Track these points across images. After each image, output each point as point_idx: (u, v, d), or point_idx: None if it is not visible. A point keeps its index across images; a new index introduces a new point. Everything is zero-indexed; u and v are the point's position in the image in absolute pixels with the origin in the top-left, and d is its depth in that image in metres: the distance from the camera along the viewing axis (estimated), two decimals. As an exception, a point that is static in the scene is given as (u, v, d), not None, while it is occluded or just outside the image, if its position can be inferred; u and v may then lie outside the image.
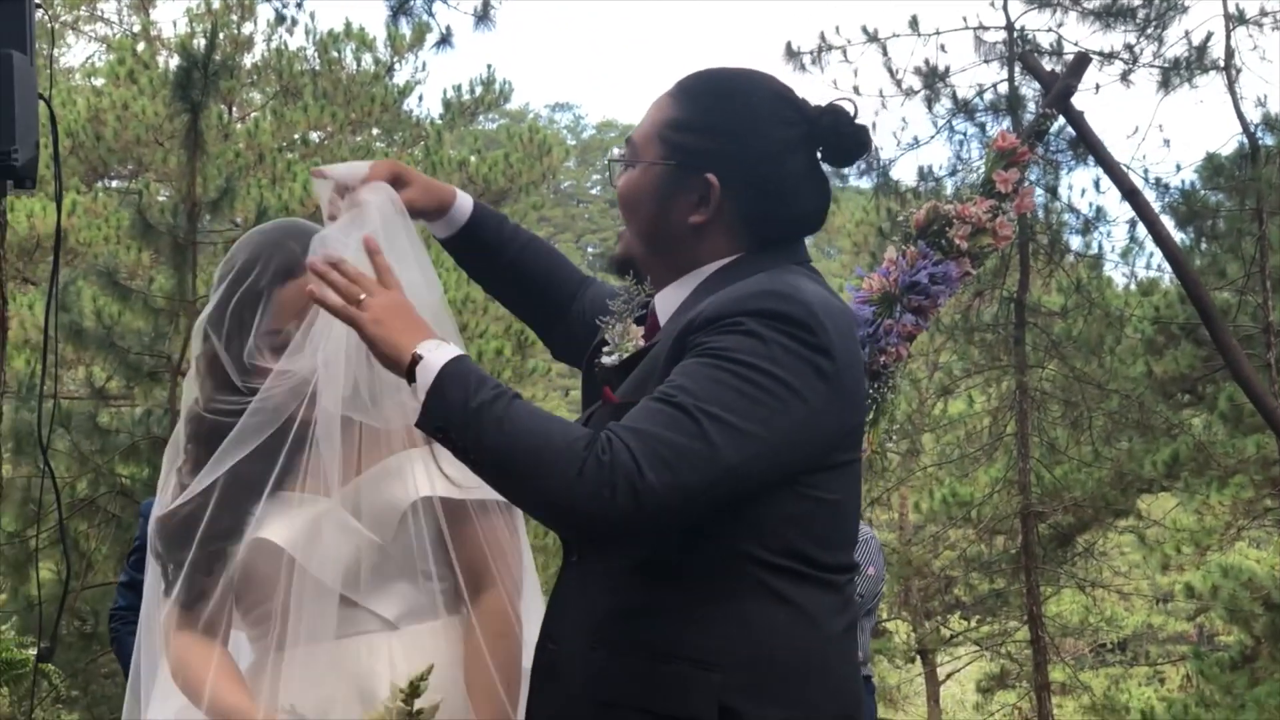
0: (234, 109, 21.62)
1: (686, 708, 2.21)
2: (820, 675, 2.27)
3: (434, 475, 2.81)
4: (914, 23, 14.75)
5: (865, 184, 16.25)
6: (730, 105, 2.44)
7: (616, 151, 2.56)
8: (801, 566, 2.26)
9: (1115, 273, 18.02)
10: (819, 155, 2.47)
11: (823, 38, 14.77)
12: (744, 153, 2.40)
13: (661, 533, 2.19)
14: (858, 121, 2.47)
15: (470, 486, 2.76)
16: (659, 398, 2.19)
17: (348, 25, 21.71)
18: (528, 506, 2.32)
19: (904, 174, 15.75)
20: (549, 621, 2.50)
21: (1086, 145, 8.40)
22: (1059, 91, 7.45)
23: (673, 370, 2.24)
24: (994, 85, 14.75)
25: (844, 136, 2.45)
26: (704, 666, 2.21)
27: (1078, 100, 8.01)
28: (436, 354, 2.27)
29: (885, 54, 14.88)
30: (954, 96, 14.88)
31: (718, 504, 2.18)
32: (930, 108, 14.98)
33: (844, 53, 14.79)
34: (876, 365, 6.69)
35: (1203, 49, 14.14)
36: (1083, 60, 7.64)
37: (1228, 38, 13.97)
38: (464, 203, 2.92)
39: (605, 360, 2.54)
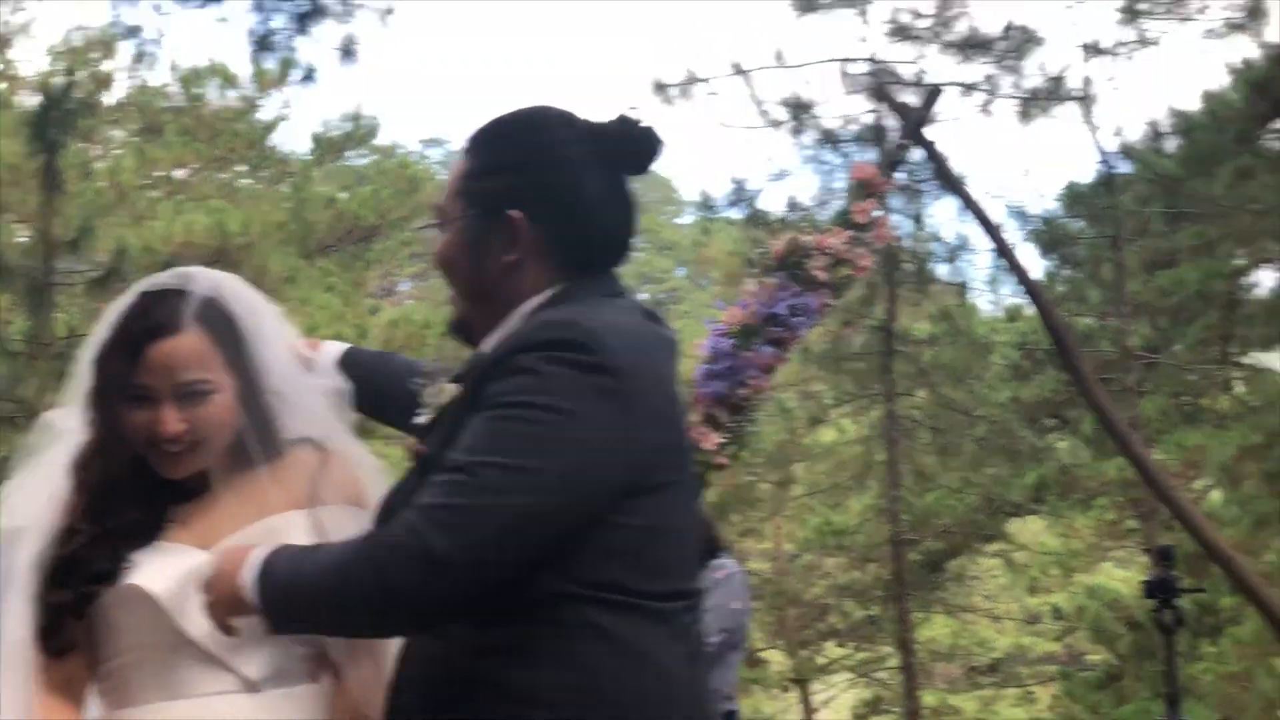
0: (95, 147, 21.29)
1: None
2: (655, 708, 2.22)
3: (314, 539, 2.70)
4: (779, 56, 14.87)
5: (736, 215, 16.34)
6: (518, 141, 2.46)
7: (422, 223, 2.56)
8: (625, 598, 2.21)
9: (981, 299, 18.22)
10: (619, 170, 2.46)
11: (690, 71, 14.84)
12: (540, 181, 2.40)
13: (486, 592, 2.17)
14: (644, 125, 2.45)
15: None
16: (442, 467, 2.19)
17: (211, 61, 21.48)
18: (371, 629, 2.36)
19: (773, 204, 15.89)
20: (396, 674, 2.47)
21: (940, 175, 8.51)
22: (914, 121, 7.55)
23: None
24: (859, 117, 14.91)
25: (634, 140, 2.44)
26: (531, 706, 2.19)
27: (941, 132, 8.12)
28: (245, 574, 2.33)
29: (751, 86, 14.98)
30: (820, 128, 15.01)
31: (529, 548, 2.15)
32: (797, 139, 15.11)
33: (711, 86, 14.87)
34: (736, 398, 6.71)
35: (1059, 79, 14.39)
36: (935, 93, 7.76)
37: (1083, 69, 14.25)
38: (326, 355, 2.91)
39: (418, 419, 2.54)
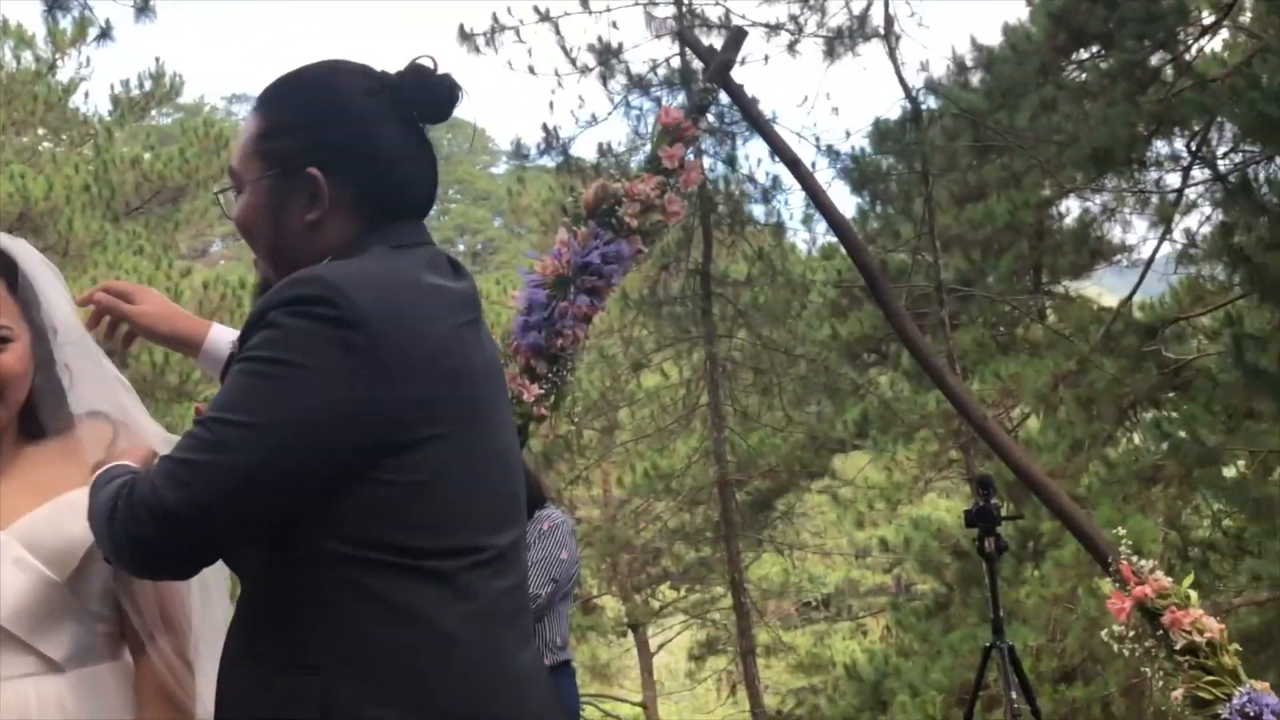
0: (-115, 114, 20.55)
1: (293, 714, 2.16)
2: (436, 673, 2.19)
3: None
4: (584, 1, 14.81)
5: (548, 163, 16.29)
6: (309, 95, 2.42)
7: (219, 187, 2.52)
8: (394, 558, 2.18)
9: (797, 239, 18.39)
10: (415, 118, 2.42)
11: (495, 19, 14.74)
12: (334, 134, 2.36)
13: (206, 549, 2.20)
14: (440, 73, 2.42)
15: None
16: (192, 422, 2.19)
17: (4, 22, 20.80)
18: (131, 571, 2.39)
19: (585, 151, 15.88)
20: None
21: (747, 118, 8.52)
22: (718, 66, 7.51)
23: None
24: (666, 60, 14.94)
25: (429, 88, 2.41)
26: (307, 671, 2.16)
27: (749, 71, 8.11)
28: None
29: (558, 33, 14.94)
30: (628, 73, 15.01)
31: (260, 504, 2.14)
32: (606, 85, 15.10)
33: (517, 33, 14.79)
34: (554, 349, 6.66)
35: (863, 18, 14.56)
36: (739, 34, 7.72)
37: (886, 6, 14.39)
38: (220, 338, 2.80)
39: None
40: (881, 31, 14.29)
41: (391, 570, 2.17)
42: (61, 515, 2.65)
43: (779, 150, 8.22)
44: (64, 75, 21.43)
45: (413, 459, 2.19)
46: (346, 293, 2.16)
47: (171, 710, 2.67)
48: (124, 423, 2.84)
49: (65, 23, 17.95)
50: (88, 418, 2.83)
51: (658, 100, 14.95)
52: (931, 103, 15.27)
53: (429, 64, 2.42)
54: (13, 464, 2.72)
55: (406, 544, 2.18)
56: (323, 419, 2.13)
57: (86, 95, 34.05)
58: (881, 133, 15.24)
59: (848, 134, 14.99)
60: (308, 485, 2.15)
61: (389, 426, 2.17)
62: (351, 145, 2.35)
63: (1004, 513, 7.83)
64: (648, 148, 11.79)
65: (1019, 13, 16.65)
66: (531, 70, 14.76)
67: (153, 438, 2.82)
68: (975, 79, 15.76)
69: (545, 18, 14.77)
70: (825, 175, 15.25)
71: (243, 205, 2.43)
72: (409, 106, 2.40)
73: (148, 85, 22.23)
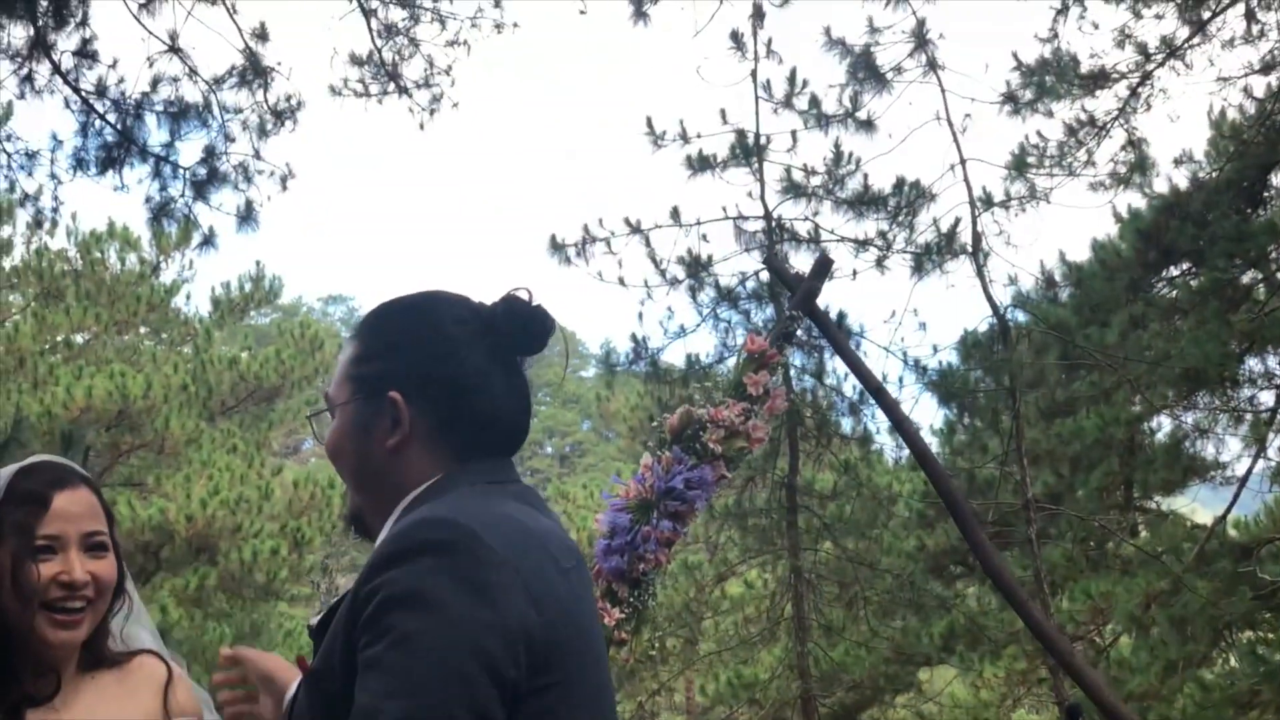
0: (-7, 312, 21.12)
1: None
2: None
3: None
4: (675, 213, 15.04)
5: (636, 371, 16.40)
6: (401, 322, 2.43)
7: (311, 411, 2.53)
8: None
9: (885, 449, 18.32)
10: (507, 351, 2.42)
11: (586, 230, 14.97)
12: (421, 360, 2.36)
13: None
14: (534, 305, 2.41)
15: None
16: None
17: (111, 225, 21.43)
18: None
19: (673, 360, 16.01)
20: None
21: (832, 345, 8.60)
22: (804, 294, 7.61)
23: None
24: (755, 273, 15.08)
25: (522, 318, 2.40)
26: None
27: (837, 286, 8.21)
28: None
29: (648, 244, 15.14)
30: (717, 285, 15.16)
31: None
32: (695, 296, 15.24)
33: (608, 244, 15.00)
34: (636, 573, 6.67)
35: (951, 235, 14.66)
36: (825, 263, 7.83)
37: (974, 223, 14.50)
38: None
39: (310, 622, 2.45)
40: (969, 248, 14.40)
41: None
42: None
43: (863, 378, 8.26)
44: (166, 277, 22.00)
45: (536, 707, 2.13)
46: (476, 530, 2.13)
47: None
48: (174, 664, 2.91)
49: (169, 228, 18.48)
50: (143, 654, 2.89)
51: (745, 313, 15.09)
52: (1020, 317, 15.31)
53: (524, 295, 2.41)
54: (75, 695, 2.75)
55: None
56: (479, 676, 2.05)
57: (188, 296, 34.87)
58: (969, 347, 15.26)
59: (935, 348, 14.98)
60: None
61: (526, 673, 2.11)
62: (433, 372, 2.34)
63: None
64: (734, 360, 11.89)
65: (1108, 229, 16.76)
66: (621, 281, 14.96)
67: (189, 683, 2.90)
68: (1064, 295, 15.80)
69: (636, 230, 15.01)
70: (913, 390, 15.27)
71: (332, 430, 2.44)
72: (500, 337, 2.39)
73: (247, 287, 22.75)
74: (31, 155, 11.95)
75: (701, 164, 15.14)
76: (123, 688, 2.80)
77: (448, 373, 2.36)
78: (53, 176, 11.89)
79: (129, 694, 2.79)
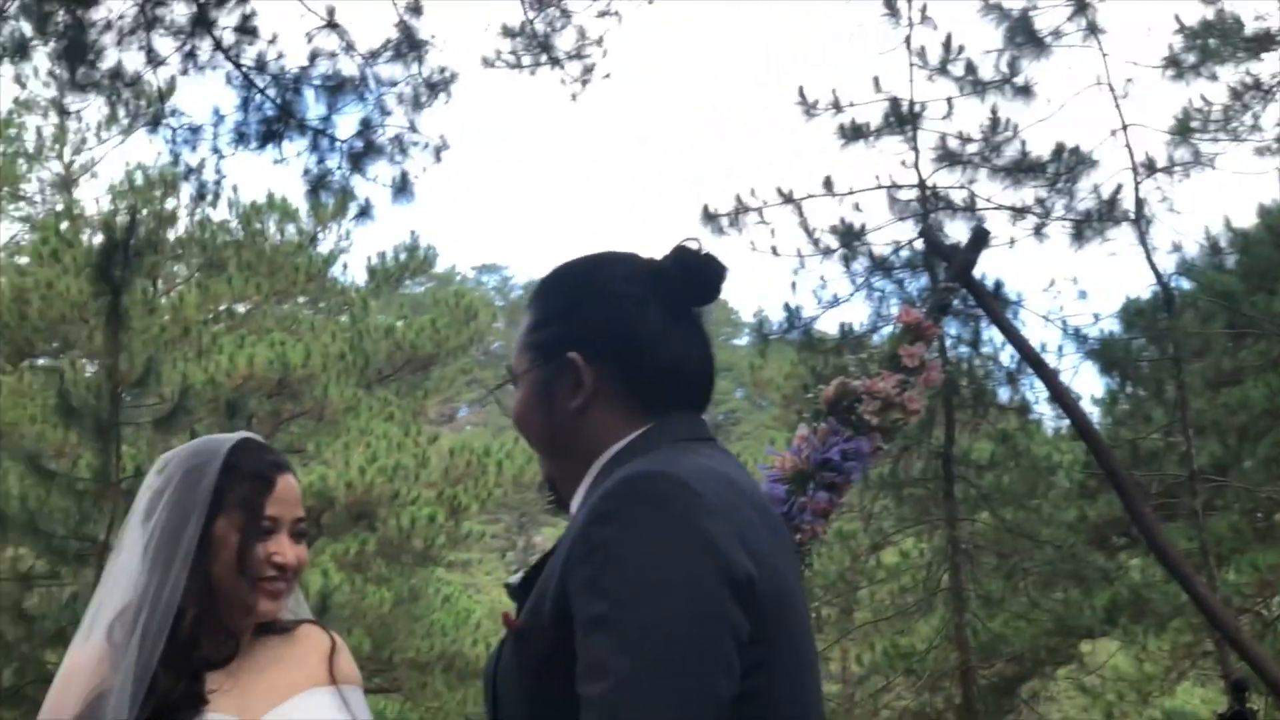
0: (159, 283, 21.57)
1: None
2: None
3: (348, 715, 2.84)
4: (828, 183, 14.92)
5: (790, 340, 16.34)
6: (572, 284, 2.42)
7: (497, 384, 2.53)
8: None
9: (1043, 419, 18.05)
10: (682, 302, 2.38)
11: (739, 200, 14.91)
12: (595, 318, 2.34)
13: None
14: (704, 252, 2.36)
15: None
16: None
17: (270, 197, 21.80)
18: None
19: (827, 329, 15.92)
20: None
21: (990, 317, 8.45)
22: (960, 265, 7.49)
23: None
24: (909, 242, 14.92)
25: (693, 267, 2.36)
26: None
27: (993, 254, 8.10)
28: None
29: (801, 214, 15.04)
30: (871, 254, 15.04)
31: None
32: (848, 266, 15.13)
33: (760, 214, 14.93)
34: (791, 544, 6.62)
35: (1113, 201, 14.38)
36: (981, 234, 7.69)
37: (1136, 189, 14.22)
38: None
39: (510, 580, 2.40)
40: (1131, 215, 14.11)
41: None
42: (305, 713, 2.78)
43: (1022, 350, 8.12)
44: (324, 247, 22.34)
45: (752, 658, 2.08)
46: (687, 480, 2.10)
47: None
48: (336, 639, 2.97)
49: (327, 199, 18.75)
50: (307, 623, 2.97)
51: (900, 282, 14.95)
52: (1184, 285, 14.98)
53: (693, 245, 2.38)
54: (249, 659, 2.82)
55: None
56: (709, 626, 2.03)
57: (345, 266, 35.37)
58: (1131, 315, 14.98)
59: (1096, 317, 14.70)
60: (729, 688, 2.03)
61: (749, 624, 2.07)
62: (610, 328, 2.33)
63: (1262, 718, 7.52)
64: (888, 329, 11.77)
65: (1275, 194, 16.33)
66: (774, 251, 14.89)
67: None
68: (1230, 261, 15.42)
69: (788, 199, 14.91)
70: (1073, 359, 15.02)
71: (517, 400, 2.43)
72: (673, 288, 2.37)
73: (403, 257, 23.02)
74: (195, 130, 12.18)
75: (854, 133, 15.00)
76: (291, 654, 2.87)
77: (624, 328, 2.33)
78: (215, 150, 12.12)
79: (297, 660, 2.86)
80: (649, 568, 2.03)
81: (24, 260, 22.37)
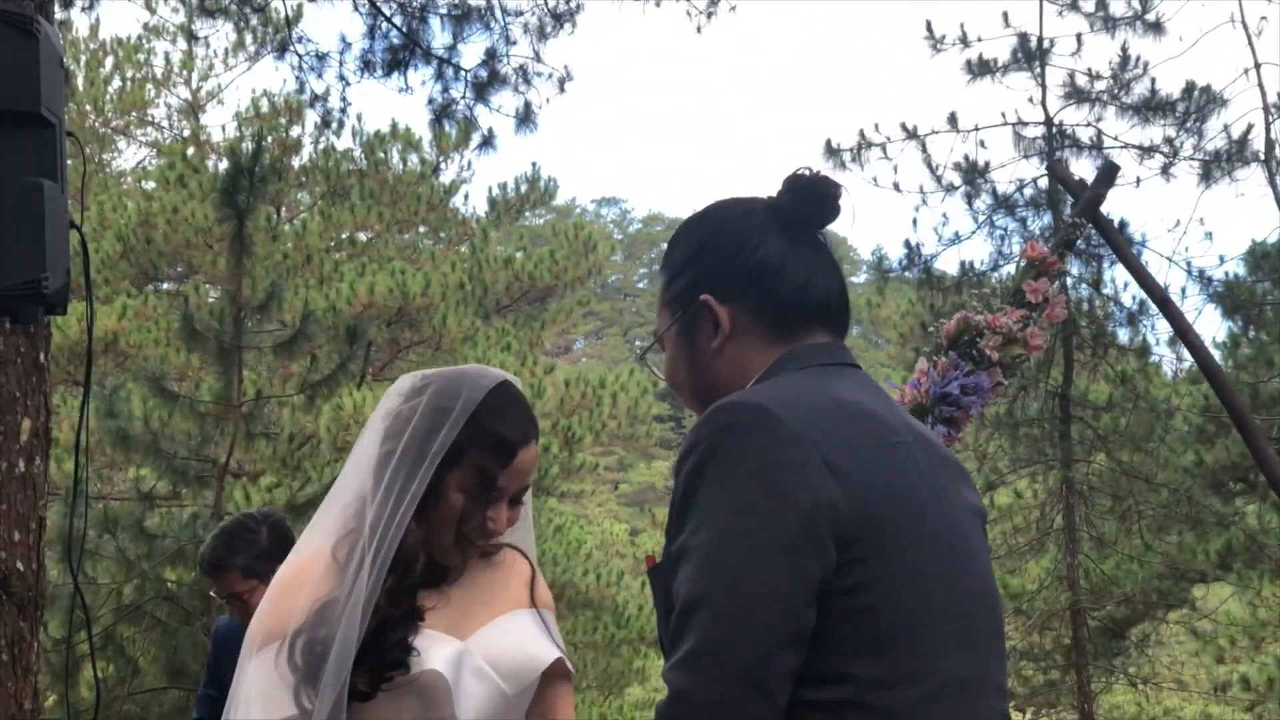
0: (282, 210, 21.84)
1: None
2: None
3: (551, 639, 2.91)
4: (953, 119, 14.81)
5: (910, 277, 16.28)
6: (691, 234, 2.50)
7: (643, 350, 2.62)
8: (834, 691, 2.09)
9: (1163, 362, 17.84)
10: (803, 229, 2.44)
11: (862, 135, 14.84)
12: (719, 258, 2.41)
13: (758, 709, 2.05)
14: (813, 176, 2.42)
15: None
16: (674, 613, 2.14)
17: (394, 126, 21.96)
18: None
19: (946, 267, 15.77)
20: None
21: (1117, 254, 8.39)
22: (1088, 200, 7.45)
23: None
24: (1034, 180, 14.80)
25: (807, 190, 2.41)
26: None
27: (1119, 194, 8.03)
28: None
29: (925, 150, 14.94)
30: (994, 192, 14.92)
31: (786, 651, 2.06)
32: (970, 203, 15.02)
33: (884, 149, 14.86)
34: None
35: (1243, 142, 14.15)
36: (1111, 169, 7.64)
37: (1267, 130, 13.97)
38: None
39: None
40: (1262, 155, 13.88)
41: (833, 707, 2.10)
42: (513, 634, 2.86)
43: (1148, 287, 8.07)
44: (446, 177, 22.47)
45: (847, 583, 2.12)
46: (766, 406, 2.16)
47: None
48: (535, 565, 3.05)
49: (450, 129, 18.85)
50: (509, 549, 3.02)
51: (1023, 220, 14.83)
52: (1313, 227, 14.73)
53: (805, 172, 2.43)
54: (457, 580, 2.90)
55: (849, 673, 2.10)
56: (774, 553, 2.08)
57: (466, 196, 35.69)
58: (1258, 258, 14.75)
59: (1221, 259, 14.52)
60: (799, 607, 2.08)
61: (835, 547, 2.11)
62: (732, 263, 2.39)
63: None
64: (1010, 268, 11.71)
65: None
66: (896, 187, 14.82)
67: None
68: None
69: (912, 135, 14.82)
70: (1196, 301, 14.83)
71: (666, 360, 2.51)
72: (790, 213, 2.42)
73: (523, 188, 23.10)
74: (321, 57, 12.26)
75: (981, 68, 14.84)
76: (497, 578, 2.94)
77: (748, 260, 2.39)
78: (341, 78, 12.21)
79: (503, 584, 2.93)
80: (718, 496, 2.11)
81: (150, 185, 22.70)
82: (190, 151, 21.54)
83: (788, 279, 2.38)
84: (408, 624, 2.74)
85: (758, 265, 2.38)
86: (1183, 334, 8.25)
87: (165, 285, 21.45)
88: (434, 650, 2.72)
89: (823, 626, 2.08)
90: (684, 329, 2.44)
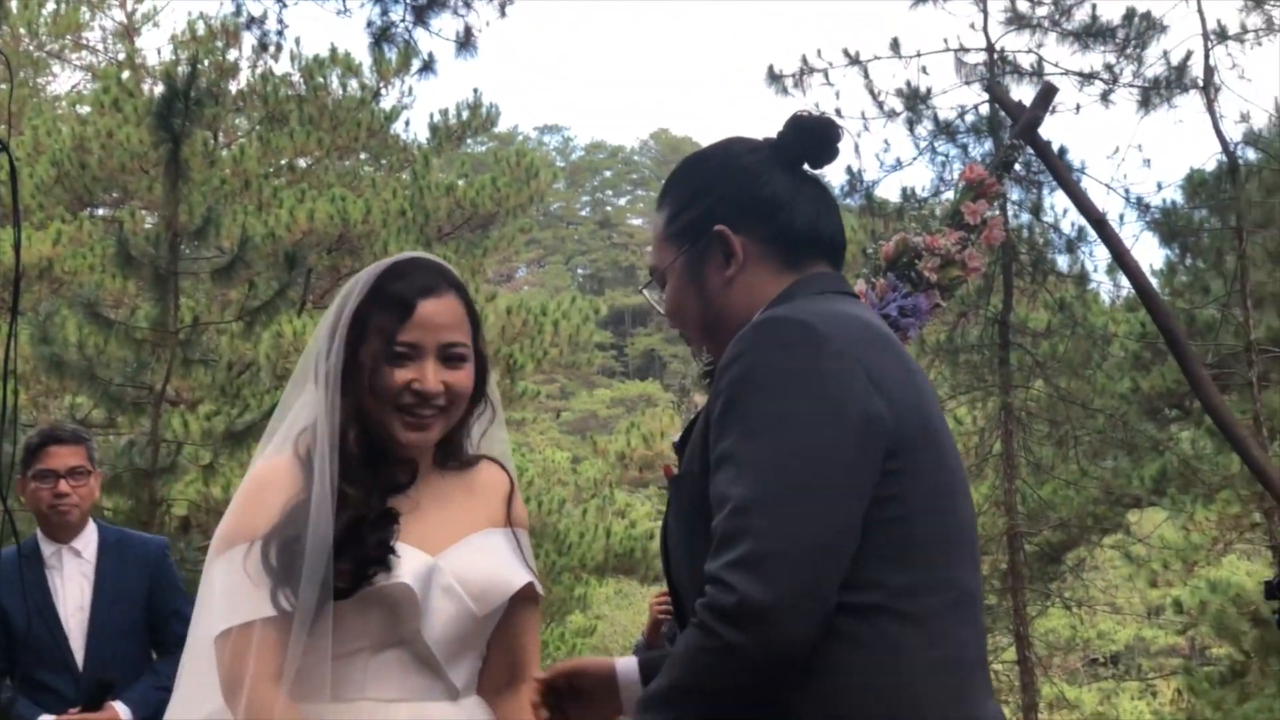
0: (219, 135, 21.58)
1: None
2: (909, 715, 2.14)
3: (524, 561, 2.89)
4: (895, 45, 14.81)
5: (851, 204, 16.29)
6: (700, 168, 2.54)
7: (641, 286, 2.64)
8: (866, 596, 2.13)
9: (1100, 290, 17.98)
10: (803, 164, 2.50)
11: (804, 61, 14.83)
12: (732, 191, 2.45)
13: (815, 616, 2.09)
14: (819, 114, 2.50)
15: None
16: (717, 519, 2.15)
17: (333, 50, 21.66)
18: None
19: (888, 194, 15.83)
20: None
21: (1053, 175, 8.43)
22: (1026, 123, 7.46)
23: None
24: (975, 107, 14.82)
25: (811, 130, 2.49)
26: (776, 712, 2.15)
27: (1058, 120, 8.05)
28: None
29: (867, 76, 14.96)
30: (935, 118, 14.95)
31: (842, 558, 2.11)
32: (912, 129, 15.06)
33: (826, 75, 14.87)
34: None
35: (1182, 68, 14.21)
36: (1049, 91, 7.65)
37: (1206, 57, 14.03)
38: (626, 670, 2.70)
39: (674, 437, 2.55)
40: (1200, 83, 13.94)
41: (864, 611, 2.14)
42: (485, 554, 2.83)
43: (1085, 209, 8.10)
44: (386, 103, 22.23)
45: (882, 494, 2.17)
46: (812, 322, 2.21)
47: None
48: (514, 480, 3.01)
49: (390, 53, 18.64)
50: (488, 460, 2.99)
51: (964, 147, 14.88)
52: (1250, 155, 14.81)
53: (806, 113, 2.51)
54: (429, 487, 2.86)
55: (880, 580, 2.15)
56: (825, 457, 2.11)
57: (407, 123, 35.26)
58: (1195, 185, 14.84)
59: (1159, 186, 14.61)
60: (855, 516, 2.13)
61: (880, 456, 2.16)
62: (746, 196, 2.44)
63: (1308, 586, 7.55)
64: (951, 195, 11.74)
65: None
66: (839, 113, 14.82)
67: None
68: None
69: (855, 61, 14.81)
70: (1134, 227, 14.93)
71: (668, 293, 2.53)
72: (794, 152, 2.49)
73: (465, 115, 22.89)
74: (258, -21, 12.12)
75: (923, -7, 14.83)
76: (470, 488, 2.91)
77: (760, 192, 2.45)
78: (278, 0, 12.06)
79: (476, 495, 2.90)
80: (768, 404, 2.15)
81: (85, 110, 22.40)
82: (125, 75, 21.26)
83: (801, 211, 2.45)
84: (385, 525, 2.71)
85: (770, 198, 2.44)
86: (1119, 256, 8.30)
87: (100, 211, 21.22)
88: (404, 563, 2.70)
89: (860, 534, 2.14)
90: (692, 261, 2.47)
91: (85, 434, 5.46)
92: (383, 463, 2.77)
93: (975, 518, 2.39)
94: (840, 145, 2.50)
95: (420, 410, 2.75)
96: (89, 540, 5.30)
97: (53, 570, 5.22)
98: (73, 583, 5.24)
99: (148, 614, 5.37)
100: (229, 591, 2.69)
